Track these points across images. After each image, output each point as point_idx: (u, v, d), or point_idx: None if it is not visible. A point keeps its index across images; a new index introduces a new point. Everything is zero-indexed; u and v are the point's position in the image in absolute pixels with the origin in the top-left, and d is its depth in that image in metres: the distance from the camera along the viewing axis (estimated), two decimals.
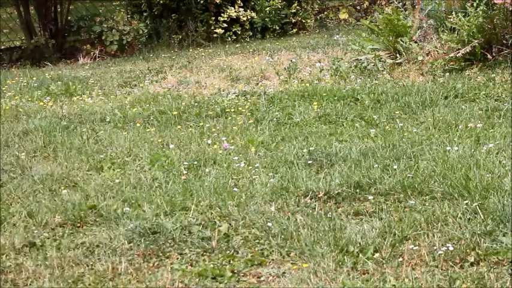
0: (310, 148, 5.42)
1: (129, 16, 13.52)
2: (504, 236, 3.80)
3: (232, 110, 7.01)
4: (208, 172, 5.06)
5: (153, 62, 10.99)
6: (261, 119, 6.56)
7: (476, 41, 8.01)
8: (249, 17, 13.58)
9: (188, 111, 6.99)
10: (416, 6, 9.45)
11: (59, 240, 4.12)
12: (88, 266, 3.77)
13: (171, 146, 5.83)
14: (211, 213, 4.34)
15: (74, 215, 4.37)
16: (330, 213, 4.25)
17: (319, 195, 4.51)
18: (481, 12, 8.05)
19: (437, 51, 8.44)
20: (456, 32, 8.33)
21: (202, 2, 13.42)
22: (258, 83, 8.51)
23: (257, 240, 3.97)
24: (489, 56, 8.07)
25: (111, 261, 3.78)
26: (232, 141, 5.87)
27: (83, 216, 4.36)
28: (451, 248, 3.68)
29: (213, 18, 13.56)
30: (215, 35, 13.46)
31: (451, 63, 8.13)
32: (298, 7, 13.98)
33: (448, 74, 7.96)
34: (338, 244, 3.81)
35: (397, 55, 8.74)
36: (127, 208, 4.44)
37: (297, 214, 4.25)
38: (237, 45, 12.68)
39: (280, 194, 4.57)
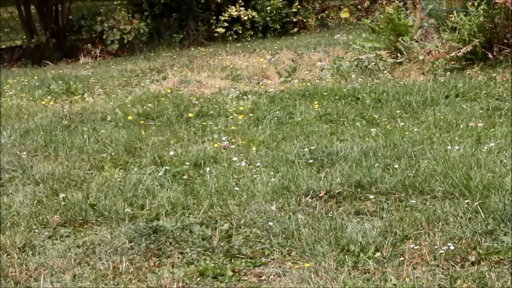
0: (311, 147, 5.42)
1: (130, 15, 13.53)
2: (505, 235, 3.80)
3: (233, 109, 7.01)
4: (209, 171, 5.06)
5: (154, 61, 10.99)
6: (262, 118, 6.56)
7: (477, 40, 8.01)
8: (250, 16, 13.58)
9: (189, 110, 6.98)
10: (417, 6, 9.45)
11: (60, 239, 4.12)
12: (89, 265, 3.77)
13: (172, 145, 5.83)
14: (212, 213, 4.33)
15: (75, 215, 4.37)
16: (330, 212, 4.24)
17: (320, 195, 4.51)
18: (482, 12, 8.05)
19: (438, 50, 8.44)
20: (457, 31, 8.33)
21: (203, 1, 13.43)
22: (259, 82, 8.52)
23: (258, 240, 3.97)
24: (490, 55, 8.07)
25: (112, 260, 3.78)
26: (233, 140, 5.87)
27: (84, 215, 4.36)
28: (452, 247, 3.68)
29: (214, 17, 13.57)
30: (216, 34, 13.48)
31: (452, 62, 8.13)
32: (299, 6, 13.99)
33: (449, 73, 7.96)
34: (339, 243, 3.81)
35: (398, 54, 8.74)
36: (128, 207, 4.44)
37: (298, 213, 4.25)
38: (238, 45, 12.68)
39: (281, 193, 4.57)
